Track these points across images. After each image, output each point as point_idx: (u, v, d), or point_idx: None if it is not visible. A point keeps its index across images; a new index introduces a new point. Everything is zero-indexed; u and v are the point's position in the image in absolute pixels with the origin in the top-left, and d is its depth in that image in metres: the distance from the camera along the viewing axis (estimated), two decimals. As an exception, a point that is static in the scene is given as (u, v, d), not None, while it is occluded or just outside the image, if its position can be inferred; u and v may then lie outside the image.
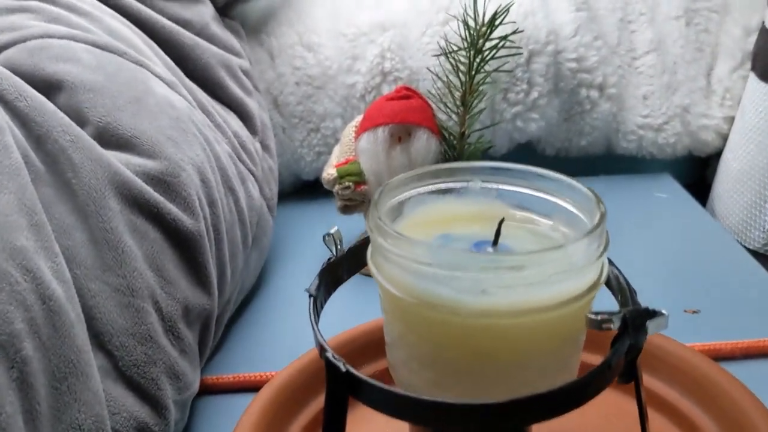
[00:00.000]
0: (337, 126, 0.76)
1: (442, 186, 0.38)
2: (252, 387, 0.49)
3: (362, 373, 0.31)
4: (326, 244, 0.37)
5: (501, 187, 0.38)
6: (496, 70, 0.64)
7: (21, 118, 0.44)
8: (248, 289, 0.60)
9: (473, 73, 0.62)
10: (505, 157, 0.81)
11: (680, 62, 0.79)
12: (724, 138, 0.79)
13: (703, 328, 0.53)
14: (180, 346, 0.44)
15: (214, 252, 0.50)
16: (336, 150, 0.66)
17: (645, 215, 0.74)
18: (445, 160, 0.62)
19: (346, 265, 0.38)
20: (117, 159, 0.46)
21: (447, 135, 0.62)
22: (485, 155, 0.65)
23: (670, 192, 0.78)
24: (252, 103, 0.67)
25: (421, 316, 0.31)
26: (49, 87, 0.49)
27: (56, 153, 0.43)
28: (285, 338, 0.56)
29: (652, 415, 0.41)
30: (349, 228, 0.68)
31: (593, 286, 0.32)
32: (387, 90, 0.75)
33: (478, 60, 0.62)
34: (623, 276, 0.35)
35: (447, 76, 0.63)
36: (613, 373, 0.31)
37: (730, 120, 0.79)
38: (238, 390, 0.49)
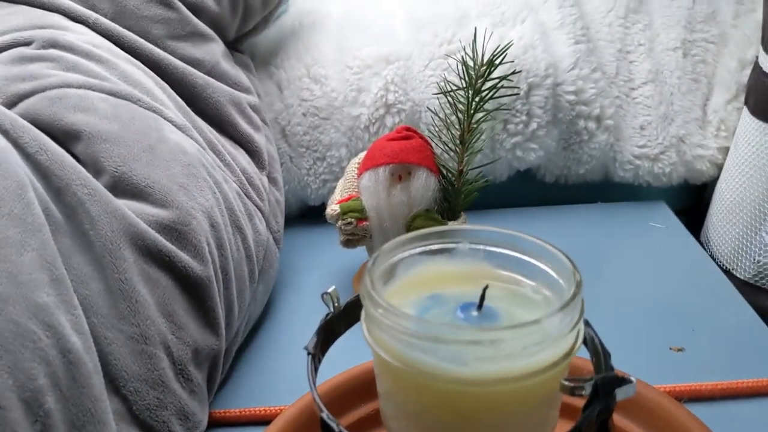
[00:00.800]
0: (342, 155, 0.79)
1: (433, 247, 0.41)
2: (258, 421, 0.52)
3: (358, 414, 0.34)
4: (324, 302, 0.40)
5: (488, 248, 0.41)
6: (495, 109, 0.67)
7: (42, 170, 0.47)
8: (255, 320, 0.63)
9: (471, 112, 0.65)
10: (505, 184, 0.83)
11: (677, 93, 0.82)
12: (719, 167, 0.81)
13: (686, 366, 0.56)
14: (190, 387, 0.47)
15: (222, 292, 0.53)
16: (340, 184, 0.68)
17: (639, 245, 0.76)
18: (444, 197, 0.65)
19: (343, 319, 0.40)
20: (131, 208, 0.49)
21: (446, 173, 0.65)
22: (484, 191, 0.68)
23: (664, 221, 0.80)
24: (260, 138, 0.70)
25: (408, 379, 0.34)
26: (67, 136, 0.52)
27: (75, 205, 0.46)
28: (291, 369, 0.59)
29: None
30: (353, 258, 0.71)
31: (568, 353, 0.34)
32: (390, 121, 0.78)
33: (476, 100, 0.64)
34: (598, 338, 0.38)
35: (446, 114, 0.66)
36: (584, 437, 0.33)
37: (725, 150, 0.81)
38: (245, 424, 0.52)
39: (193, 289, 0.49)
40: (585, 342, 0.38)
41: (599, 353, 0.36)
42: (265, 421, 0.52)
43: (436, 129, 0.67)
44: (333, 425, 0.34)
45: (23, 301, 0.38)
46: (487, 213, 0.82)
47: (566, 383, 0.33)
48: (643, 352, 0.58)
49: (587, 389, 0.33)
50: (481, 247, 0.41)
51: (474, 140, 0.66)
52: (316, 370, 0.38)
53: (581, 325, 0.35)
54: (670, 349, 0.58)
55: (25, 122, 0.49)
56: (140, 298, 0.45)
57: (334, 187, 0.72)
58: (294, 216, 0.83)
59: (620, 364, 0.54)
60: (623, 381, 0.34)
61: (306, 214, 0.84)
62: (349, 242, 0.65)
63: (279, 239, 0.68)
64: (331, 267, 0.73)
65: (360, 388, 0.47)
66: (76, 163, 0.48)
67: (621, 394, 0.34)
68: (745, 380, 0.52)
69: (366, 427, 0.46)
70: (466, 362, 0.32)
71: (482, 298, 0.37)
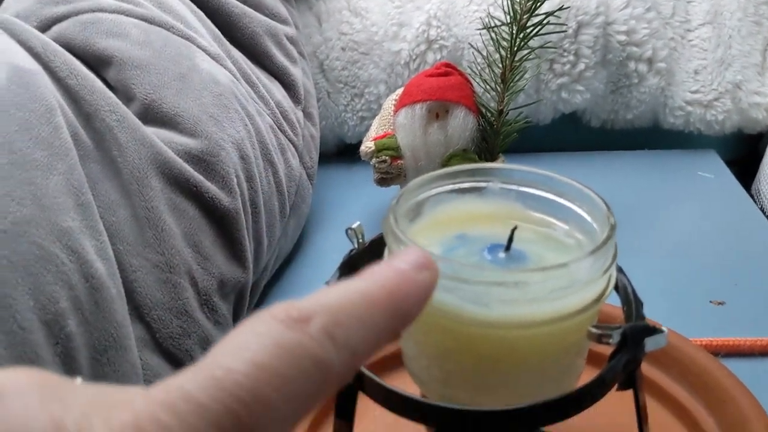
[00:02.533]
0: (381, 92, 0.77)
1: (463, 185, 0.39)
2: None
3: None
4: (348, 238, 0.39)
5: (520, 188, 0.39)
6: (540, 47, 0.64)
7: (72, 95, 0.46)
8: (285, 255, 0.63)
9: (515, 49, 0.62)
10: (549, 128, 0.81)
11: (736, 36, 0.77)
12: (777, 116, 0.77)
13: (726, 321, 0.54)
14: (214, 317, 0.47)
15: (251, 225, 0.52)
16: (375, 121, 0.67)
17: (685, 194, 0.73)
18: (482, 137, 0.63)
19: (366, 256, 0.39)
20: (160, 137, 0.48)
21: (485, 112, 0.63)
22: (525, 133, 0.65)
23: (714, 171, 0.76)
24: (296, 72, 0.68)
25: (429, 320, 0.33)
26: (99, 62, 0.51)
27: (103, 131, 0.45)
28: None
29: (652, 405, 0.43)
30: (387, 197, 0.70)
31: (597, 300, 0.33)
32: (432, 58, 0.75)
33: (521, 36, 0.62)
34: (631, 286, 0.36)
35: (488, 52, 0.63)
36: (608, 386, 0.32)
37: (784, 99, 0.77)
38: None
39: (220, 220, 0.48)
40: (616, 288, 0.37)
41: (630, 301, 0.35)
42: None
43: (478, 67, 0.64)
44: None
45: (47, 224, 0.38)
46: (528, 156, 0.79)
47: (593, 330, 0.32)
48: (682, 303, 0.56)
49: (615, 337, 0.32)
50: (513, 187, 0.39)
51: (516, 79, 0.63)
52: (336, 306, 0.37)
53: (613, 271, 0.34)
54: (711, 302, 0.55)
55: (57, 46, 0.49)
56: (166, 227, 0.45)
57: (371, 124, 0.70)
58: (330, 153, 0.82)
59: (656, 315, 0.52)
60: (654, 330, 0.32)
61: (343, 152, 0.82)
62: (383, 180, 0.64)
63: (312, 175, 0.67)
64: (366, 205, 0.72)
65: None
66: (106, 89, 0.48)
67: (651, 344, 0.32)
68: (787, 338, 0.50)
69: (387, 367, 0.46)
70: (489, 304, 0.31)
71: (510, 239, 0.35)
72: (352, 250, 0.39)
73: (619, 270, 0.37)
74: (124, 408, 0.16)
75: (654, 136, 0.82)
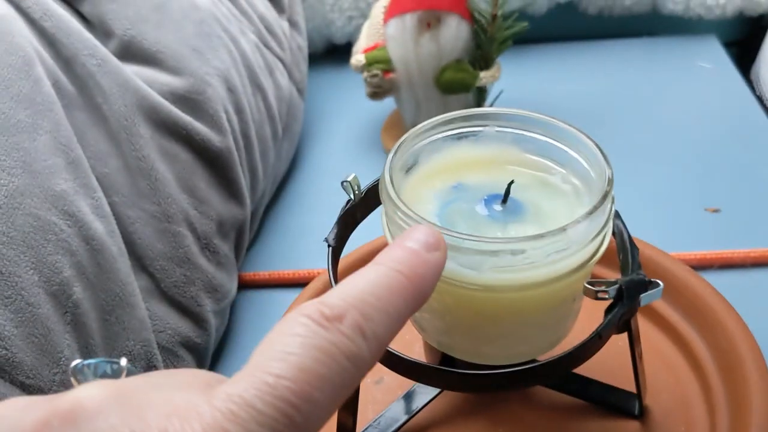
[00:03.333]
0: (369, -11, 0.74)
1: (459, 131, 0.38)
2: (287, 284, 0.53)
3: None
4: (344, 189, 0.39)
5: (516, 131, 0.38)
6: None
7: (48, 38, 0.44)
8: (281, 177, 0.62)
9: (508, -53, 0.59)
10: (545, 17, 0.78)
11: None
12: (780, -3, 0.75)
13: (720, 229, 0.54)
14: (216, 259, 0.47)
15: (245, 159, 0.52)
16: (365, 29, 0.64)
17: (683, 86, 0.72)
18: (477, 45, 0.61)
19: (362, 206, 0.39)
20: (143, 77, 0.47)
21: (478, 17, 0.60)
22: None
23: (714, 58, 0.75)
24: (279, -22, 0.65)
25: (429, 281, 0.34)
26: (72, -6, 0.49)
27: (85, 77, 0.44)
28: (320, 227, 0.58)
29: (648, 329, 0.44)
30: (382, 102, 0.68)
31: (593, 257, 0.33)
32: (421, -49, 0.71)
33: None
34: (627, 232, 0.36)
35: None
36: (605, 340, 0.33)
37: (789, -21, 0.73)
38: (275, 286, 0.53)
39: (213, 161, 0.48)
40: (614, 233, 0.37)
41: (627, 249, 0.35)
42: (293, 284, 0.53)
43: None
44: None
45: (41, 192, 0.37)
46: (526, 48, 0.77)
47: (589, 287, 0.33)
48: (677, 211, 0.56)
49: (611, 293, 0.33)
50: (509, 130, 0.38)
51: (510, -22, 0.60)
52: (336, 262, 0.37)
53: (609, 227, 0.34)
54: (706, 210, 0.56)
55: (25, -18, 0.46)
56: (159, 176, 0.44)
57: (361, 25, 0.67)
58: (319, 54, 0.79)
59: (652, 225, 0.53)
60: (650, 284, 0.33)
61: (332, 52, 0.80)
62: (376, 95, 0.63)
63: (302, 89, 0.65)
64: (359, 111, 0.70)
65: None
66: (83, 30, 0.46)
67: (646, 299, 0.33)
68: (779, 248, 0.51)
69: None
70: (486, 271, 0.31)
71: (507, 192, 0.35)
72: (348, 202, 0.39)
73: (616, 215, 0.37)
74: (194, 419, 0.18)
75: (653, 22, 0.79)
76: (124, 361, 0.22)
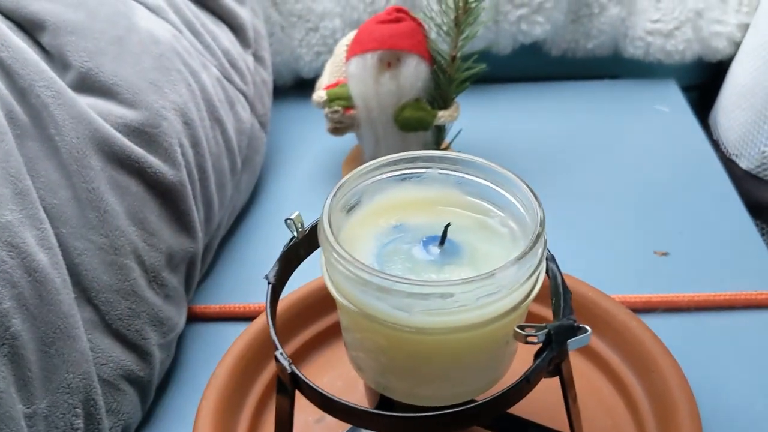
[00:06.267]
0: (336, 26, 0.75)
1: (402, 172, 0.39)
2: (237, 317, 0.53)
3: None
4: (287, 227, 0.39)
5: (459, 174, 0.39)
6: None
7: (4, 68, 0.45)
8: (240, 209, 0.63)
9: (468, -9, 0.60)
10: (509, 57, 0.79)
11: (700, -39, 0.75)
12: (737, 45, 0.76)
13: (668, 273, 0.55)
14: (164, 292, 0.47)
15: (199, 191, 0.52)
16: (328, 66, 0.65)
17: (641, 127, 0.73)
18: (436, 85, 0.62)
19: (305, 243, 0.40)
20: (97, 109, 0.47)
21: (439, 58, 0.61)
22: (486, 62, 0.62)
23: (672, 103, 0.76)
24: (244, 13, 0.66)
25: (362, 321, 0.34)
26: (32, 25, 0.49)
27: (39, 108, 0.44)
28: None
29: (587, 368, 0.45)
30: (343, 144, 0.69)
31: (524, 301, 0.34)
32: (387, -10, 0.73)
33: (474, -23, 0.60)
34: (561, 276, 0.37)
35: (441, -6, 0.61)
36: (534, 384, 0.34)
37: (745, 28, 0.75)
38: (225, 319, 0.53)
39: (165, 194, 0.48)
40: (548, 274, 0.38)
41: (559, 294, 0.36)
42: (244, 317, 0.53)
43: (431, 11, 0.62)
44: (285, 364, 0.34)
45: (-16, 222, 0.37)
46: (489, 87, 0.78)
47: (519, 331, 0.33)
48: (627, 254, 0.57)
49: (540, 338, 0.33)
50: (452, 173, 0.39)
51: (471, 20, 0.61)
52: (275, 300, 0.38)
53: (542, 269, 0.35)
54: (655, 253, 0.57)
55: (-16, 14, 0.47)
56: (108, 208, 0.44)
57: (328, 61, 0.68)
58: (287, 87, 0.80)
59: (602, 267, 0.54)
60: (578, 330, 0.34)
61: (299, 85, 0.81)
62: (337, 130, 0.63)
63: (265, 123, 0.66)
64: (323, 145, 0.71)
65: (326, 299, 0.48)
66: (40, 61, 0.46)
67: (574, 344, 0.33)
68: (722, 293, 0.51)
69: (331, 336, 0.48)
70: (417, 313, 0.32)
71: (444, 234, 0.36)
72: (291, 239, 0.39)
73: (550, 258, 0.38)
74: None
75: (614, 65, 0.81)
76: None
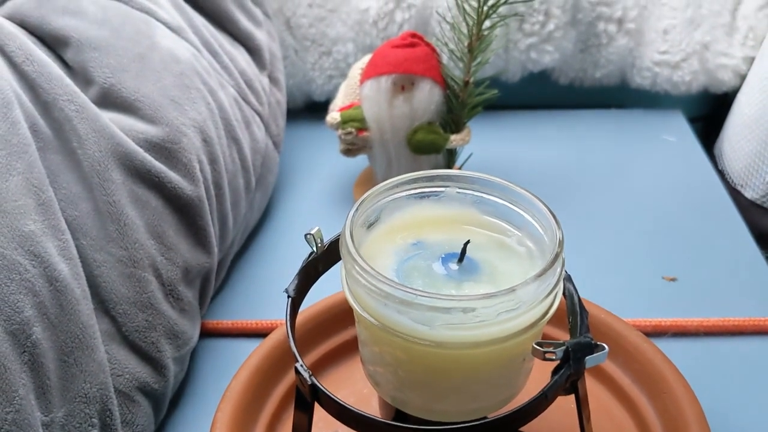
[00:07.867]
0: (349, 50, 0.76)
1: (421, 190, 0.40)
2: (249, 333, 0.53)
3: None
4: (307, 242, 0.40)
5: (476, 194, 0.40)
6: (508, 16, 0.63)
7: (29, 82, 0.46)
8: (252, 227, 0.63)
9: (482, 18, 0.61)
10: (518, 85, 0.81)
11: (706, -5, 0.76)
12: (743, 78, 0.78)
13: (676, 298, 0.56)
14: (180, 306, 0.48)
15: (215, 208, 0.53)
16: (342, 89, 0.66)
17: (648, 157, 0.74)
18: (449, 109, 0.63)
19: (324, 258, 0.40)
20: (119, 124, 0.48)
21: (451, 83, 0.62)
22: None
23: (678, 133, 0.77)
24: (261, 35, 0.67)
25: (382, 335, 0.35)
26: (57, 42, 0.50)
27: (62, 121, 0.45)
28: (287, 278, 0.59)
29: (598, 390, 0.45)
30: (353, 165, 0.70)
31: (542, 318, 0.34)
32: (400, 17, 0.74)
33: (488, 4, 0.61)
34: (578, 295, 0.37)
35: (455, 20, 0.63)
36: (551, 400, 0.34)
37: (750, 60, 0.77)
38: (237, 335, 0.54)
39: (183, 209, 0.49)
40: (566, 296, 0.38)
41: (576, 312, 0.36)
42: (255, 334, 0.53)
43: (445, 37, 0.64)
44: (305, 376, 0.34)
45: (9, 231, 0.38)
46: (498, 114, 0.79)
47: (538, 347, 0.34)
48: (637, 279, 0.58)
49: (558, 354, 0.34)
50: (470, 192, 0.40)
51: (483, 47, 0.63)
52: (295, 313, 0.38)
53: (560, 288, 0.35)
54: (663, 278, 0.57)
55: (11, 28, 0.48)
56: (128, 221, 0.45)
57: (340, 84, 0.70)
58: (299, 110, 0.81)
59: (612, 291, 0.55)
60: (596, 347, 0.34)
61: (311, 108, 0.82)
62: (349, 152, 0.64)
63: (279, 143, 0.67)
64: (335, 166, 0.72)
65: (342, 314, 0.48)
66: (64, 76, 0.47)
67: (591, 361, 0.34)
68: (730, 318, 0.52)
69: (345, 352, 0.48)
70: (438, 327, 0.32)
71: (463, 251, 0.37)
72: (311, 254, 0.40)
73: (567, 278, 0.38)
74: None
75: (621, 95, 0.82)
76: None
